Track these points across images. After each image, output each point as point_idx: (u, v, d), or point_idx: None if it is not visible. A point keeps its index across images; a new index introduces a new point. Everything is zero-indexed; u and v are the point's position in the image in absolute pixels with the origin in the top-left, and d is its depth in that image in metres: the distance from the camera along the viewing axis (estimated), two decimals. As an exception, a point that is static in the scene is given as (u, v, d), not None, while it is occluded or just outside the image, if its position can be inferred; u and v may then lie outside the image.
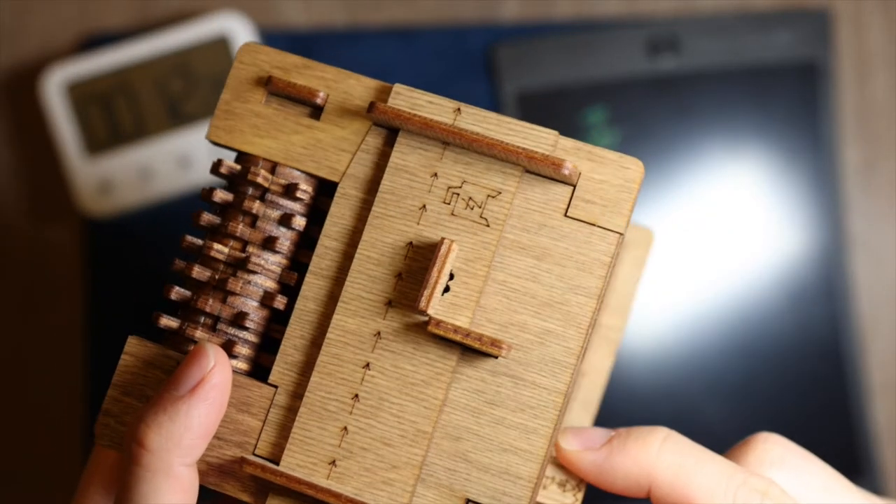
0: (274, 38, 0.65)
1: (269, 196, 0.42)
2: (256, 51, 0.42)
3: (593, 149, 0.40)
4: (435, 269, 0.39)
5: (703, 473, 0.39)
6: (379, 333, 0.40)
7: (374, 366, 0.40)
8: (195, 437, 0.38)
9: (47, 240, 0.66)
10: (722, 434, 0.63)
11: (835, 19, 0.66)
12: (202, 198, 0.42)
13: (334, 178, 0.41)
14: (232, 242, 0.41)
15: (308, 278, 0.41)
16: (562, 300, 0.39)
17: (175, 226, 0.60)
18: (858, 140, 0.66)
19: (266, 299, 0.41)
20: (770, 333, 0.65)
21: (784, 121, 0.65)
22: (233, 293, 0.41)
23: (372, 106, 0.40)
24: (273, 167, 0.42)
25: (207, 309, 0.41)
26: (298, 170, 0.42)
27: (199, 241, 0.42)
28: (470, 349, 0.39)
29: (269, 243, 0.41)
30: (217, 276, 0.41)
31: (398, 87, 0.41)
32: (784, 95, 0.65)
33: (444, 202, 0.40)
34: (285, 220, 0.42)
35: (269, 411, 0.40)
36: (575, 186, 0.39)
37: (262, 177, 0.41)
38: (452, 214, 0.40)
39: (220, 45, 0.63)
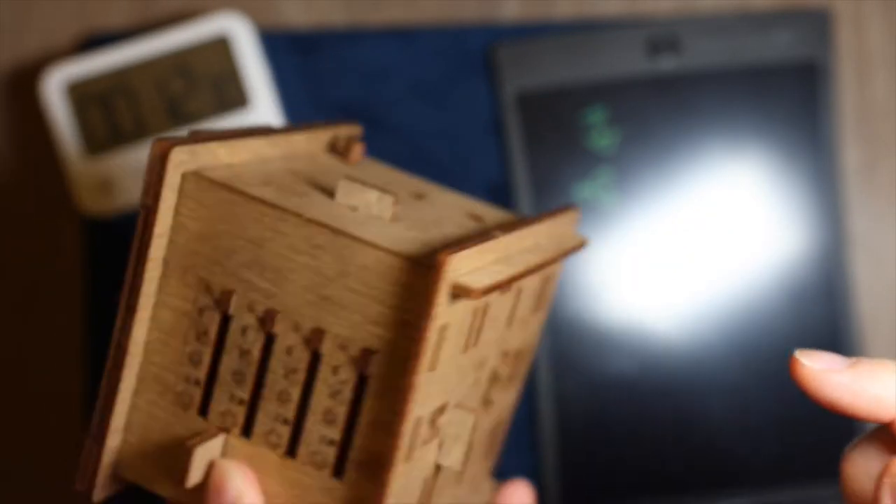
0: (274, 37, 0.65)
1: None
2: None
3: None
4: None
5: None
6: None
7: None
8: None
9: (47, 239, 0.66)
10: (722, 434, 0.63)
11: (835, 19, 0.66)
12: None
13: None
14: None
15: None
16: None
17: (175, 226, 0.60)
18: (858, 140, 0.66)
19: None
20: (770, 333, 0.65)
21: (784, 121, 0.65)
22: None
23: None
24: None
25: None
26: None
27: None
28: None
29: None
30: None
31: None
32: (784, 95, 0.65)
33: None
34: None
35: None
36: None
37: None
38: None
39: (220, 45, 0.63)
